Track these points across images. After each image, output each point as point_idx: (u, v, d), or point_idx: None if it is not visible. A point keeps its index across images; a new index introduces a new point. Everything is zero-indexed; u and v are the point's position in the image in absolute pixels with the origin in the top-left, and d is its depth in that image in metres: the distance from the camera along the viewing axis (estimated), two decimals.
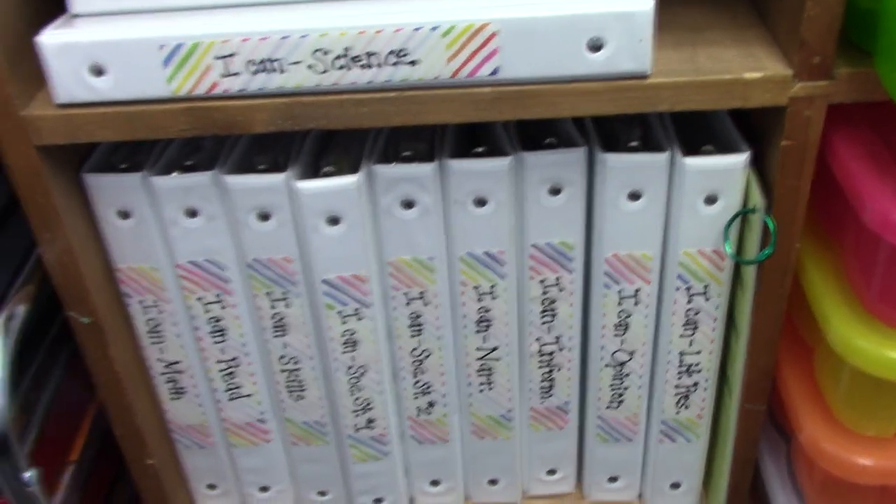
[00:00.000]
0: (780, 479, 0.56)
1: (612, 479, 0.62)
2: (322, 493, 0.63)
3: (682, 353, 0.54)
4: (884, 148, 0.43)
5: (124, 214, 0.50)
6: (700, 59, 0.44)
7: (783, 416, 0.55)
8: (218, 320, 0.54)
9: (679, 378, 0.55)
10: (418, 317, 0.53)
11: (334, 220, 0.49)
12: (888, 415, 0.47)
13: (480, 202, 0.49)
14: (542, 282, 0.52)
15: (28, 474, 0.48)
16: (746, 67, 0.43)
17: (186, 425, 0.60)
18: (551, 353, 0.56)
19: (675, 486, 0.62)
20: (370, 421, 0.58)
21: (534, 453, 0.62)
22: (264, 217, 0.49)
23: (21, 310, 0.49)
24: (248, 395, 0.58)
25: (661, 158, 0.47)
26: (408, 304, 0.53)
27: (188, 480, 0.64)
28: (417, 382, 0.57)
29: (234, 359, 0.56)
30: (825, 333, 0.46)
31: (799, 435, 0.50)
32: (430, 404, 0.58)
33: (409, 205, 0.49)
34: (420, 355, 0.55)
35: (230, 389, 0.58)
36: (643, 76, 0.42)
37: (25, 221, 0.47)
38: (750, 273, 0.49)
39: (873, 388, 0.46)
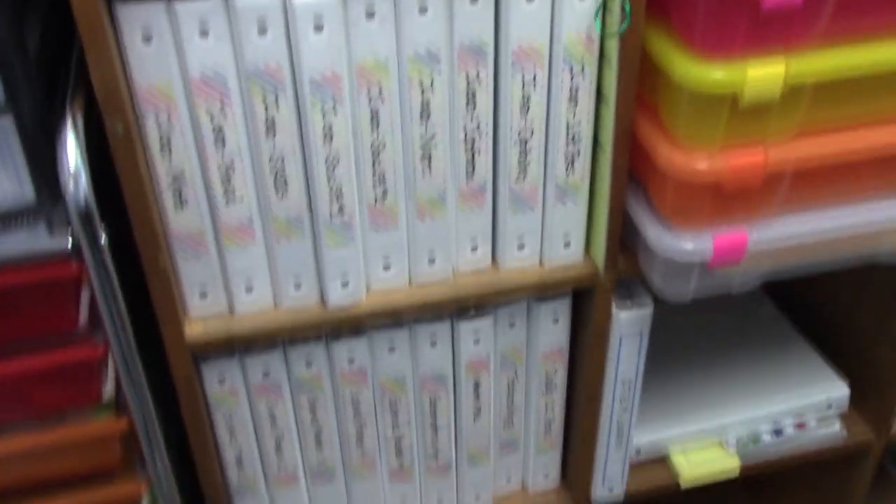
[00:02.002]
0: (644, 212, 0.77)
1: (521, 248, 0.82)
2: (297, 286, 0.78)
3: (568, 125, 0.74)
4: None
5: (147, 38, 0.64)
6: None
7: (640, 167, 0.76)
8: (220, 128, 0.68)
9: (566, 147, 0.76)
10: (377, 112, 0.70)
11: (319, 28, 0.65)
12: (713, 132, 0.69)
13: (423, 10, 0.67)
14: (466, 75, 0.71)
15: (103, 239, 0.61)
16: None
17: (186, 235, 0.73)
18: (474, 139, 0.74)
19: (567, 244, 0.82)
20: (341, 209, 0.74)
21: (461, 232, 0.80)
22: (263, 31, 0.65)
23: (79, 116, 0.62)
24: (241, 200, 0.72)
25: None
26: (369, 101, 0.70)
27: (183, 293, 0.77)
28: (375, 173, 0.74)
29: (230, 164, 0.70)
30: (669, 73, 0.67)
31: (656, 160, 0.71)
32: (385, 193, 0.75)
33: (371, 15, 0.66)
34: (377, 147, 0.72)
35: (226, 194, 0.72)
36: None
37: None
38: (613, 50, 0.70)
39: (702, 111, 0.68)
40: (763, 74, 0.66)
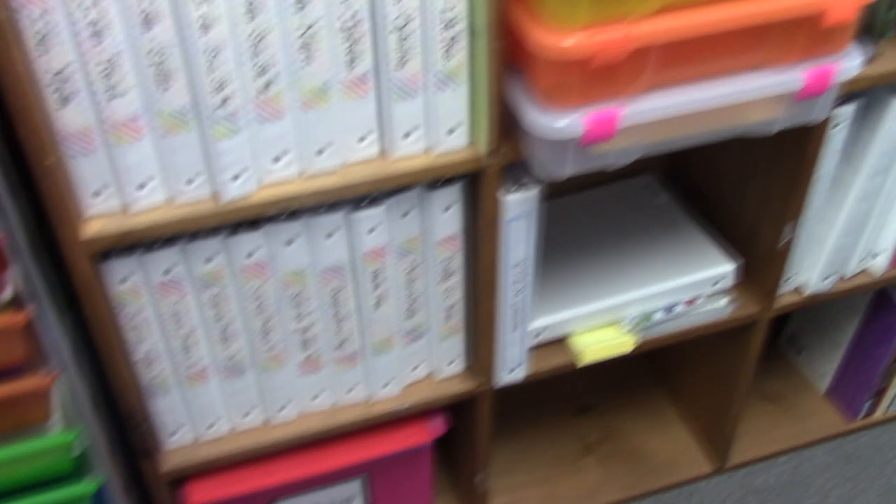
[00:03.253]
0: (522, 95, 0.81)
1: (406, 136, 0.85)
2: (189, 182, 0.80)
3: (442, 10, 0.77)
4: None
5: None
6: None
7: (516, 52, 0.79)
8: (95, 23, 0.69)
9: (443, 33, 0.78)
10: (252, 0, 0.72)
11: None
12: (576, 10, 0.72)
13: None
14: None
15: None
16: None
17: (72, 132, 0.75)
18: (351, 27, 0.76)
19: (451, 131, 0.85)
20: (225, 100, 0.76)
21: (347, 122, 0.82)
22: None
23: None
24: (124, 95, 0.74)
25: None
26: None
27: (75, 193, 0.78)
28: (256, 64, 0.75)
29: (110, 59, 0.72)
30: None
31: (526, 42, 0.74)
32: (268, 84, 0.77)
33: None
34: (256, 37, 0.74)
35: (108, 90, 0.73)
36: None
37: None
38: None
39: None
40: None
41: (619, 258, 1.14)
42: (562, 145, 0.80)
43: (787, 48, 0.82)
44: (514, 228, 0.92)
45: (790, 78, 0.82)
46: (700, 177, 1.22)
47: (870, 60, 0.96)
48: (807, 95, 0.84)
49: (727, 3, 0.77)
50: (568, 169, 0.83)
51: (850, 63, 0.84)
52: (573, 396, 1.45)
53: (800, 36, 0.81)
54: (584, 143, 0.80)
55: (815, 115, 0.89)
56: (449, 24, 0.78)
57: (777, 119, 0.87)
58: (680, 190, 1.26)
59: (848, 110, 1.00)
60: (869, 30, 0.95)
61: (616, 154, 0.83)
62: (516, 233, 0.93)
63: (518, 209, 0.91)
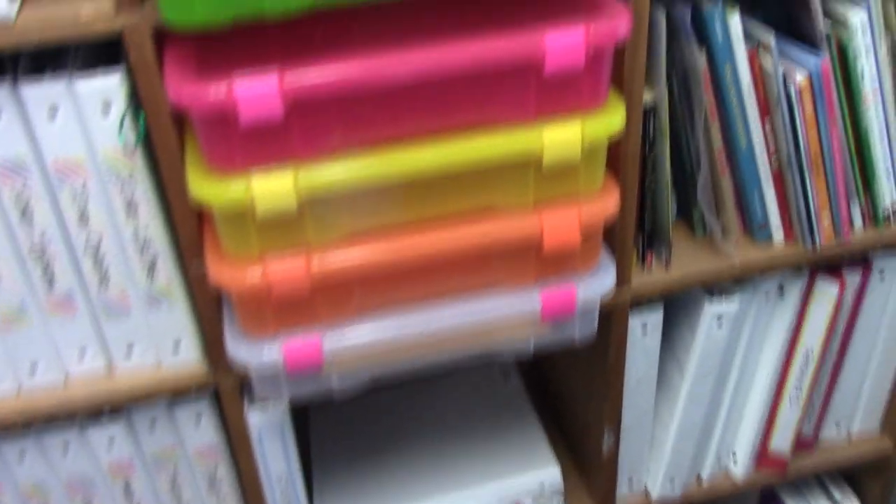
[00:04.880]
0: (229, 321, 0.76)
1: (129, 353, 0.80)
2: None
3: (136, 233, 0.73)
4: (196, 50, 0.64)
5: None
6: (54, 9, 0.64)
7: None
8: None
9: (141, 254, 0.75)
10: None
11: None
12: (248, 243, 0.68)
13: None
14: (13, 188, 0.70)
15: None
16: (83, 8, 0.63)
17: None
18: (43, 249, 0.73)
19: (176, 348, 0.80)
20: None
21: (59, 340, 0.78)
22: None
23: None
24: None
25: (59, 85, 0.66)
26: None
27: None
28: None
29: None
30: (190, 189, 0.66)
31: (210, 273, 0.70)
32: None
33: None
34: None
35: None
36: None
37: None
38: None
39: (233, 223, 0.67)
40: (271, 187, 0.64)
41: (445, 454, 1.07)
42: (269, 372, 0.75)
43: (519, 269, 0.76)
44: (268, 442, 0.86)
45: (526, 301, 0.76)
46: (550, 367, 1.15)
47: (666, 265, 0.89)
48: (551, 318, 0.77)
49: (428, 229, 0.71)
50: (286, 393, 0.77)
51: (598, 283, 0.77)
52: None
53: (530, 257, 0.75)
54: (290, 372, 0.74)
55: (578, 334, 0.81)
56: (145, 247, 0.74)
57: (531, 339, 0.80)
58: (534, 376, 1.18)
59: (656, 315, 0.92)
60: (657, 236, 0.88)
61: (341, 378, 0.77)
62: (271, 447, 0.87)
63: (267, 425, 0.85)
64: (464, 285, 0.76)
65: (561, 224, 0.72)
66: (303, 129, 0.64)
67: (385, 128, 0.67)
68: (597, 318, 0.81)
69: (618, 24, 0.65)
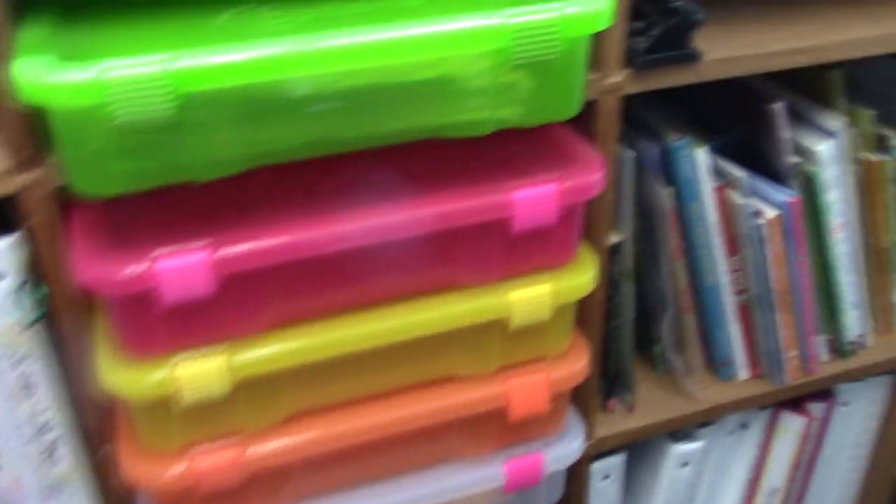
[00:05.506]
0: None
1: None
2: None
3: (31, 414, 0.62)
4: (107, 213, 0.55)
5: None
6: None
7: None
8: None
9: (39, 439, 0.63)
10: None
11: None
12: (170, 435, 0.58)
13: None
14: None
15: None
16: None
17: None
18: None
19: None
20: None
21: None
22: None
23: None
24: None
25: None
26: None
27: None
28: None
29: None
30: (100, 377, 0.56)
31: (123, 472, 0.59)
32: None
33: None
34: None
35: None
36: None
37: None
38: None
39: (154, 413, 0.57)
40: (200, 372, 0.55)
41: None
42: None
43: (480, 439, 0.67)
44: None
45: (488, 474, 0.67)
46: None
47: (630, 408, 0.82)
48: (515, 489, 0.69)
49: (379, 404, 0.62)
50: None
51: (565, 448, 0.69)
52: None
53: (493, 426, 0.67)
54: None
55: (544, 501, 0.73)
56: (43, 430, 0.63)
57: None
58: None
59: (616, 462, 0.85)
60: (619, 382, 0.81)
61: None
62: None
63: None
64: (418, 460, 0.67)
65: (528, 392, 0.64)
66: (235, 305, 0.55)
67: (331, 296, 0.58)
68: (563, 482, 0.73)
69: (592, 180, 0.58)
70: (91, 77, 0.45)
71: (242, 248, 0.52)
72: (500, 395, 0.63)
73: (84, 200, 0.55)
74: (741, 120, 0.78)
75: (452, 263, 0.60)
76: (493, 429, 0.67)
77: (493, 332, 0.62)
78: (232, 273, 0.52)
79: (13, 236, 0.57)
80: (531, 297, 0.60)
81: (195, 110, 0.48)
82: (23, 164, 0.53)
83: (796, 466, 0.94)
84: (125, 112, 0.46)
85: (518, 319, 0.61)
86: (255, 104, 0.50)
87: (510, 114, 0.55)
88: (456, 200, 0.56)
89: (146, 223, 0.54)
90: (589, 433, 0.77)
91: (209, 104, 0.48)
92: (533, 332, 0.63)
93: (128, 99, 0.45)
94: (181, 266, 0.51)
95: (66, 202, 0.56)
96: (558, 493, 0.73)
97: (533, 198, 0.57)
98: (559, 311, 0.63)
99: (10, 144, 0.52)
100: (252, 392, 0.58)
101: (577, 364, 0.66)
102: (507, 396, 0.64)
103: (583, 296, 0.62)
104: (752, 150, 0.77)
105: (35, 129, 0.52)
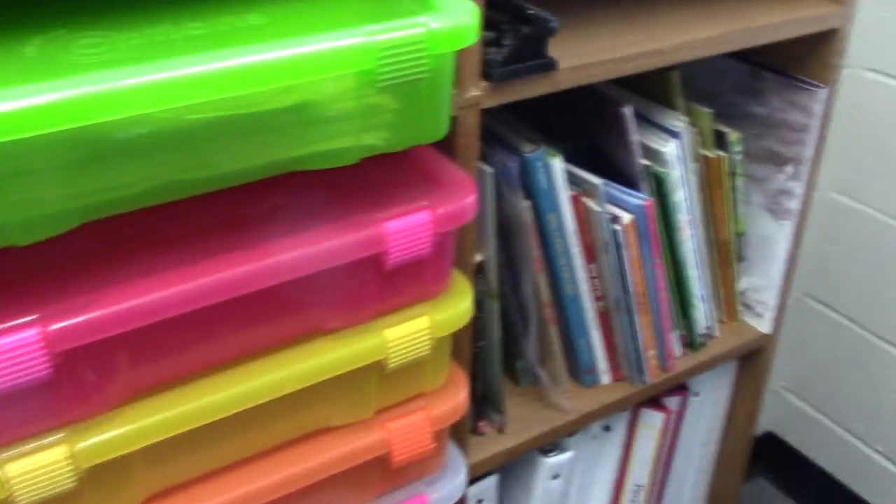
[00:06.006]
0: None
1: None
2: None
3: None
4: None
5: None
6: None
7: None
8: None
9: None
10: None
11: None
12: None
13: None
14: None
15: None
16: None
17: None
18: None
19: None
20: None
21: None
22: None
23: None
24: None
25: None
26: None
27: None
28: None
29: None
30: None
31: None
32: None
33: None
34: None
35: None
36: None
37: None
38: None
39: None
40: (38, 468, 0.46)
41: None
42: None
43: (358, 489, 0.62)
44: None
45: None
46: None
47: (500, 429, 0.79)
48: None
49: (249, 470, 0.56)
50: None
51: (449, 486, 0.65)
52: None
53: (373, 473, 0.61)
54: None
55: None
56: None
57: None
58: None
59: (489, 484, 0.82)
60: (489, 403, 0.78)
61: None
62: None
63: None
64: None
65: (410, 434, 0.59)
66: (75, 385, 0.47)
67: (186, 358, 0.51)
68: None
69: (465, 203, 0.54)
70: None
71: (79, 319, 0.44)
72: (382, 442, 0.58)
73: None
74: (586, 125, 0.77)
75: (318, 305, 0.54)
76: (374, 476, 0.62)
77: (370, 374, 0.57)
78: (69, 349, 0.44)
79: None
80: (408, 335, 0.56)
81: (14, 161, 0.40)
82: None
83: (657, 461, 0.94)
84: None
85: (396, 360, 0.56)
86: (84, 150, 0.42)
87: (377, 139, 0.50)
88: (323, 239, 0.50)
89: None
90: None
91: (28, 153, 0.40)
92: (410, 368, 0.58)
93: None
94: (8, 348, 0.42)
95: None
96: None
97: (406, 228, 0.52)
98: (436, 343, 0.58)
99: None
100: (100, 480, 0.49)
101: (457, 397, 0.62)
102: (389, 443, 0.59)
103: (463, 325, 0.58)
104: (601, 155, 0.76)
105: None
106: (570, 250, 0.74)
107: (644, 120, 0.76)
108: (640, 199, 0.74)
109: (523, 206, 0.69)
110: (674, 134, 0.75)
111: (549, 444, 0.85)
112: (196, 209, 0.51)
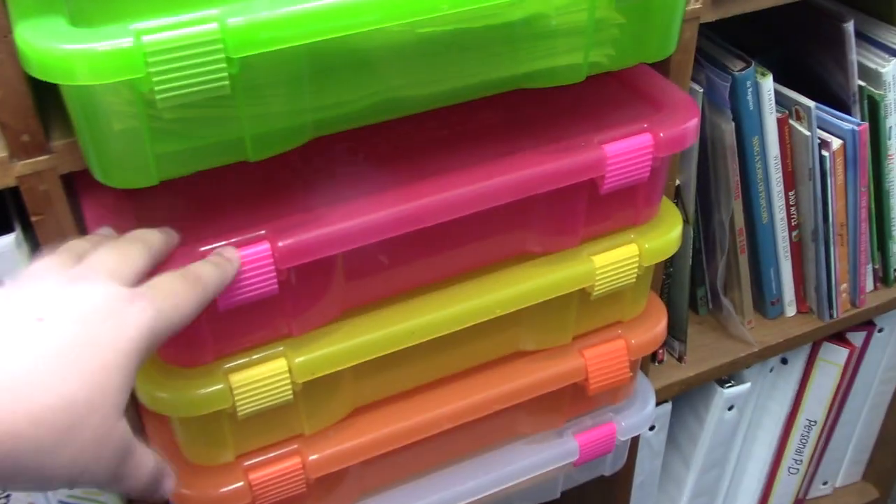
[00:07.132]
0: None
1: None
2: None
3: None
4: (127, 202, 0.46)
5: None
6: None
7: None
8: None
9: None
10: None
11: None
12: (222, 447, 0.50)
13: None
14: None
15: None
16: None
17: None
18: None
19: None
20: None
21: None
22: None
23: None
24: None
25: None
26: None
27: None
28: None
29: None
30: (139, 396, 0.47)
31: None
32: None
33: None
34: None
35: None
36: None
37: None
38: None
39: (204, 429, 0.49)
40: (258, 379, 0.47)
41: None
42: None
43: (549, 413, 0.61)
44: None
45: (560, 450, 0.61)
46: None
47: (680, 358, 0.77)
48: (586, 461, 0.63)
49: (448, 390, 0.55)
50: None
51: (637, 415, 0.64)
52: None
53: (565, 399, 0.60)
54: None
55: (609, 469, 0.68)
56: None
57: (559, 480, 0.66)
58: None
59: (663, 412, 0.80)
60: (671, 332, 0.75)
61: None
62: None
63: None
64: (483, 442, 0.61)
65: (608, 362, 0.58)
66: (296, 300, 0.47)
67: (396, 277, 0.50)
68: (628, 449, 0.68)
69: (688, 127, 0.51)
70: (127, 44, 0.35)
71: (306, 236, 0.43)
72: (579, 369, 0.57)
73: (96, 189, 0.45)
74: (789, 43, 0.71)
75: (525, 228, 0.52)
76: (564, 402, 0.61)
77: (572, 301, 0.55)
78: (295, 266, 0.44)
79: (12, 235, 0.47)
80: (617, 262, 0.53)
81: (252, 77, 0.39)
82: (22, 151, 0.43)
83: (834, 397, 0.90)
84: (171, 84, 0.36)
85: (602, 287, 0.54)
86: (319, 63, 0.41)
87: (603, 56, 0.47)
88: (540, 161, 0.48)
89: (175, 213, 0.45)
90: None
91: (268, 68, 0.39)
92: (612, 296, 0.56)
93: (174, 68, 0.36)
94: (247, 262, 0.42)
95: (74, 192, 0.46)
96: (623, 460, 0.68)
97: (626, 151, 0.49)
98: (642, 272, 0.56)
99: (5, 128, 0.42)
100: (312, 392, 0.50)
101: (656, 327, 0.60)
102: (586, 370, 0.57)
103: (671, 255, 0.56)
104: (806, 74, 0.71)
105: (35, 108, 0.43)
106: (770, 176, 0.69)
107: (862, 37, 0.70)
108: (854, 123, 0.68)
109: (728, 128, 0.65)
110: (894, 53, 0.69)
111: (726, 374, 0.82)
112: (409, 129, 0.50)
